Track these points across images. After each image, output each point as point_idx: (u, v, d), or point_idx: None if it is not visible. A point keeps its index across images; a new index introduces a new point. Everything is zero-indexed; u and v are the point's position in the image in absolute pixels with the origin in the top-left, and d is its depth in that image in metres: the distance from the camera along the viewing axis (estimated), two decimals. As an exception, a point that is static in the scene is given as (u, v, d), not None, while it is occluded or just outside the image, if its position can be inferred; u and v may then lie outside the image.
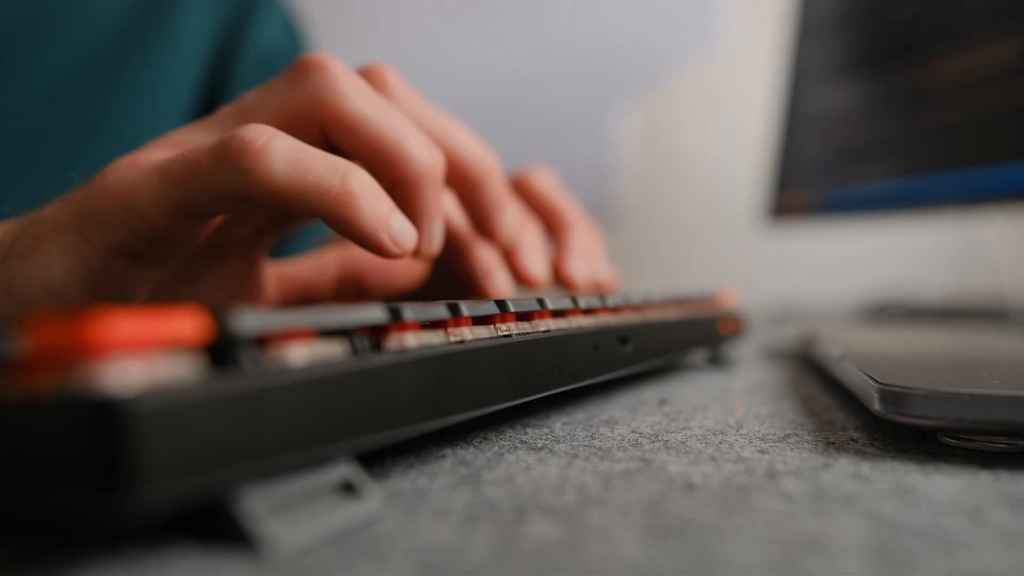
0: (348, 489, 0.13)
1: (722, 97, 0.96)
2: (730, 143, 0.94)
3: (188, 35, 0.45)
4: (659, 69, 0.95)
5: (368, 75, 0.23)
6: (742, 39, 0.92)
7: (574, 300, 0.21)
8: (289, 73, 0.21)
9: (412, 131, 0.22)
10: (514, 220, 0.27)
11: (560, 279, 0.31)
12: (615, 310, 0.24)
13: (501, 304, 0.18)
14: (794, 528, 0.13)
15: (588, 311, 0.22)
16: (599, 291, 0.32)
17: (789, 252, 0.87)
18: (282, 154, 0.19)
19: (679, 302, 0.30)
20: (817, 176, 0.63)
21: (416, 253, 0.23)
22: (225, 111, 0.22)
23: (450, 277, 0.30)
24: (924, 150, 0.52)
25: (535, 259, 0.30)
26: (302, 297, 0.31)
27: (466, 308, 0.17)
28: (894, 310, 0.55)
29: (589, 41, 0.95)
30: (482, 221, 0.26)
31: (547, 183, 0.34)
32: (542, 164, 0.36)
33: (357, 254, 0.30)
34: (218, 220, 0.23)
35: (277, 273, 0.30)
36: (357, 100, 0.21)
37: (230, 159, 0.18)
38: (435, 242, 0.23)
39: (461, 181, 0.25)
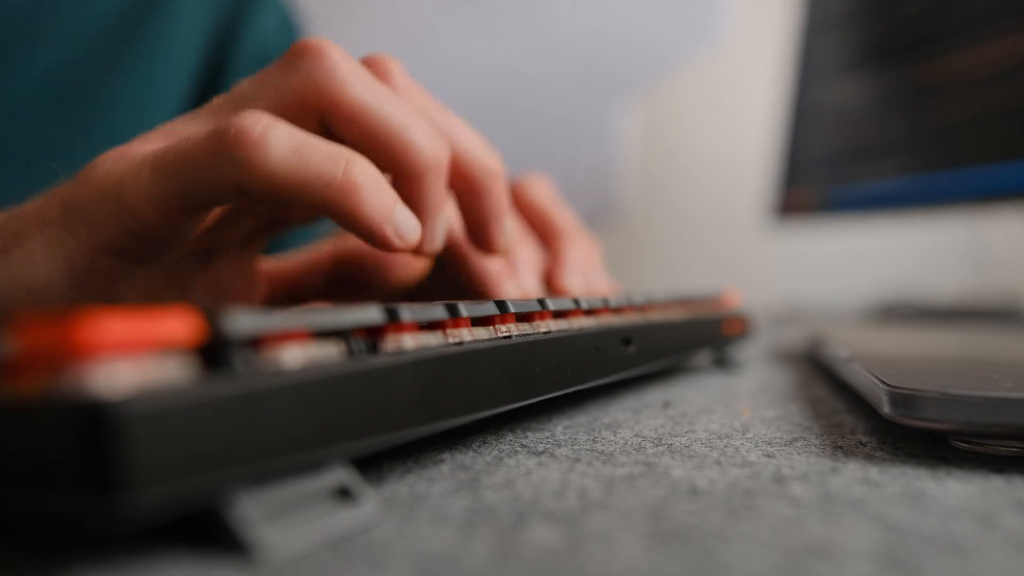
0: (344, 494, 0.13)
1: (726, 94, 0.96)
2: (734, 140, 0.94)
3: (184, 29, 0.45)
4: (662, 65, 0.95)
5: (370, 64, 0.22)
6: (746, 34, 0.92)
7: (576, 301, 0.21)
8: (285, 59, 0.21)
9: (416, 121, 0.21)
10: (512, 231, 0.25)
11: (554, 293, 0.31)
12: (617, 311, 0.24)
13: (501, 305, 0.18)
14: (801, 534, 0.13)
15: (590, 312, 0.22)
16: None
17: (795, 251, 0.87)
18: (281, 143, 0.18)
19: (683, 302, 0.30)
20: (823, 174, 0.63)
21: (418, 249, 0.22)
22: (219, 100, 0.21)
23: (450, 276, 0.29)
24: (933, 147, 0.52)
25: (527, 278, 0.30)
26: (292, 295, 0.30)
27: (465, 309, 0.17)
28: (903, 310, 0.55)
29: (590, 37, 0.95)
30: (479, 228, 0.25)
31: (544, 192, 0.34)
32: (542, 164, 0.36)
33: (352, 250, 0.30)
34: (211, 216, 0.22)
35: (266, 270, 0.29)
36: (358, 87, 0.20)
37: (226, 149, 0.18)
38: (438, 238, 0.22)
39: (463, 183, 0.24)
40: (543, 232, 0.33)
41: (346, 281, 0.30)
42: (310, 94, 0.20)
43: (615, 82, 0.95)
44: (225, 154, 0.18)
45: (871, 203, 0.57)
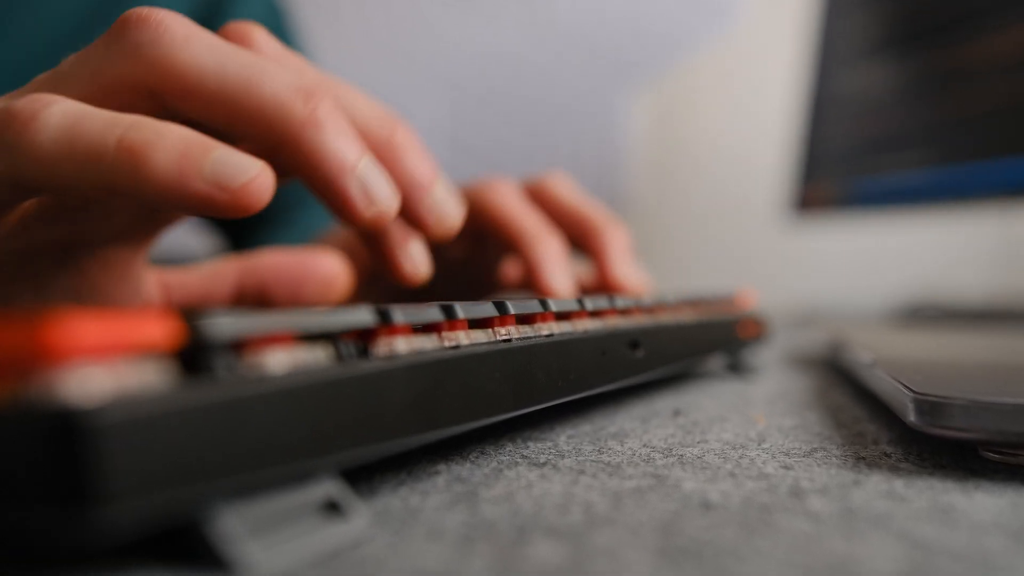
0: (333, 508, 0.13)
1: (741, 81, 0.96)
2: (750, 131, 0.94)
3: None
4: (673, 51, 0.95)
5: (227, 33, 0.20)
6: (763, 18, 0.92)
7: (580, 302, 0.21)
8: (108, 32, 0.18)
9: (271, 70, 0.18)
10: (445, 198, 0.22)
11: (610, 287, 0.32)
12: (624, 312, 0.24)
13: (500, 306, 0.18)
14: (821, 551, 0.13)
15: (595, 313, 0.22)
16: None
17: (814, 249, 0.87)
18: (54, 122, 0.16)
19: (694, 304, 0.30)
20: (845, 166, 0.63)
21: (365, 219, 0.19)
22: (40, 79, 0.19)
23: (388, 284, 0.27)
24: (963, 137, 0.52)
25: (558, 274, 0.30)
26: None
27: (462, 310, 0.17)
28: (930, 312, 0.55)
29: (596, 21, 0.95)
30: (403, 193, 0.21)
31: (568, 189, 0.34)
32: (545, 156, 0.36)
33: (262, 264, 0.27)
34: (17, 215, 0.20)
35: (160, 280, 0.27)
36: (190, 50, 0.18)
37: None
38: (373, 187, 0.19)
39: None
40: (576, 230, 0.33)
41: (253, 297, 0.28)
42: (135, 69, 0.18)
43: (623, 68, 0.95)
44: None
45: (895, 197, 0.57)
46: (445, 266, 0.38)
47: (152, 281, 0.26)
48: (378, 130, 0.20)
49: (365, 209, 0.19)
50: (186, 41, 0.18)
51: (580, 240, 0.33)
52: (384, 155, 0.20)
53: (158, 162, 0.16)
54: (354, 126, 0.19)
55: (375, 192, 0.19)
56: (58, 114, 0.16)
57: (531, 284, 0.30)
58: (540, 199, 0.34)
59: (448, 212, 0.22)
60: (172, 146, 0.16)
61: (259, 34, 0.20)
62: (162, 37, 0.18)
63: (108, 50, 0.18)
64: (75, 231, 0.21)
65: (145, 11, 0.18)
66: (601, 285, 0.32)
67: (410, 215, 0.21)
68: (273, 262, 0.27)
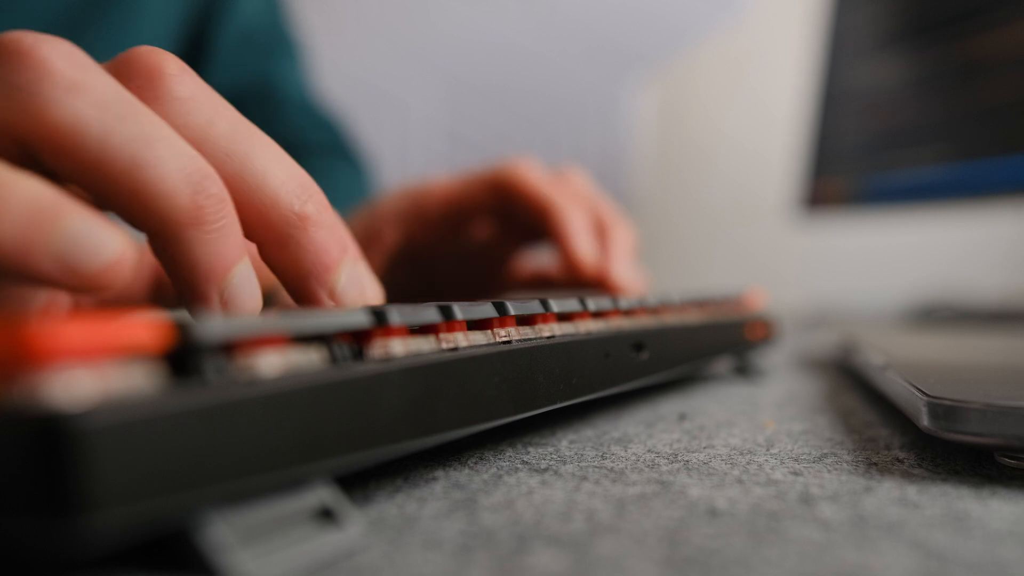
0: (326, 515, 0.13)
1: (750, 72, 0.96)
2: (759, 124, 0.94)
3: (157, 6, 0.45)
4: (679, 40, 0.95)
5: (127, 70, 0.17)
6: (772, 7, 0.92)
7: (582, 302, 0.21)
8: None
9: (164, 149, 0.16)
10: (353, 278, 0.19)
11: (606, 284, 0.33)
12: (629, 313, 0.24)
13: (500, 306, 0.18)
14: (832, 560, 0.13)
15: (598, 314, 0.22)
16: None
17: (825, 247, 0.87)
18: None
19: (701, 304, 0.30)
20: (857, 161, 0.63)
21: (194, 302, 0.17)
22: None
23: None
24: (978, 132, 0.52)
25: (585, 242, 0.32)
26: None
27: (460, 311, 0.17)
28: (944, 313, 0.55)
29: (599, 10, 0.95)
30: (293, 287, 0.19)
31: (582, 183, 0.36)
32: (546, 150, 0.39)
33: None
34: None
35: None
36: (72, 105, 0.15)
37: None
38: (238, 299, 0.17)
39: (261, 231, 0.18)
40: (590, 221, 0.35)
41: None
42: (5, 114, 0.15)
43: (627, 58, 0.95)
44: None
45: (909, 194, 0.57)
46: (464, 252, 0.40)
47: None
48: (286, 203, 0.18)
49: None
50: (69, 92, 0.15)
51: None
52: (287, 231, 0.18)
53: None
54: (255, 202, 0.18)
55: (237, 304, 0.17)
56: None
57: (558, 252, 0.32)
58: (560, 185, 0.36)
59: (354, 296, 0.19)
60: (17, 211, 0.13)
61: (170, 68, 0.17)
62: (41, 82, 0.15)
63: None
64: None
65: (28, 43, 0.15)
66: (598, 281, 0.34)
67: (309, 301, 0.19)
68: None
